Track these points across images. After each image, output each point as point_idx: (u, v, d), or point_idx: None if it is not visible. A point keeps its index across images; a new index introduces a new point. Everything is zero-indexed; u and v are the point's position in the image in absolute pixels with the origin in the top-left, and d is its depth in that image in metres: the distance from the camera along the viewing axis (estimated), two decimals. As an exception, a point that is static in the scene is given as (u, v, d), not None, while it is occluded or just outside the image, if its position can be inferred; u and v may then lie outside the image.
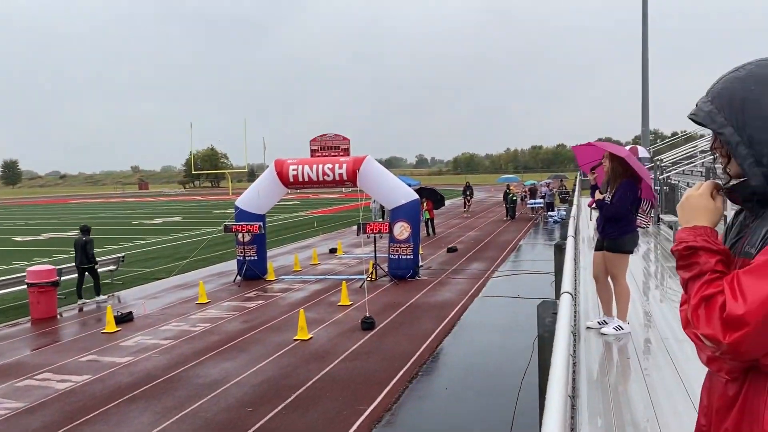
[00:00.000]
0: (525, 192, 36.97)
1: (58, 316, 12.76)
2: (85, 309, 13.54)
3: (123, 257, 16.87)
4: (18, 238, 29.57)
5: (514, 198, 32.00)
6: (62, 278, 13.59)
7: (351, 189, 18.02)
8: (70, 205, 64.20)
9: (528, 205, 33.98)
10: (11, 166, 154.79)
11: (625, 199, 5.75)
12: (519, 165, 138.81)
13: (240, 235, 16.34)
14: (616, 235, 5.85)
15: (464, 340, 10.24)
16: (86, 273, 13.96)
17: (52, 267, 13.16)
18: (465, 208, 35.51)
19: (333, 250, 21.37)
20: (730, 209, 1.81)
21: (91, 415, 7.40)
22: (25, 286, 12.80)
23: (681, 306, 1.57)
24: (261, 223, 16.33)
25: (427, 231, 25.26)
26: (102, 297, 14.18)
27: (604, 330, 5.75)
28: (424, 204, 25.39)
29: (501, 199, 36.57)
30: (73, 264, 14.02)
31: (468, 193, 35.38)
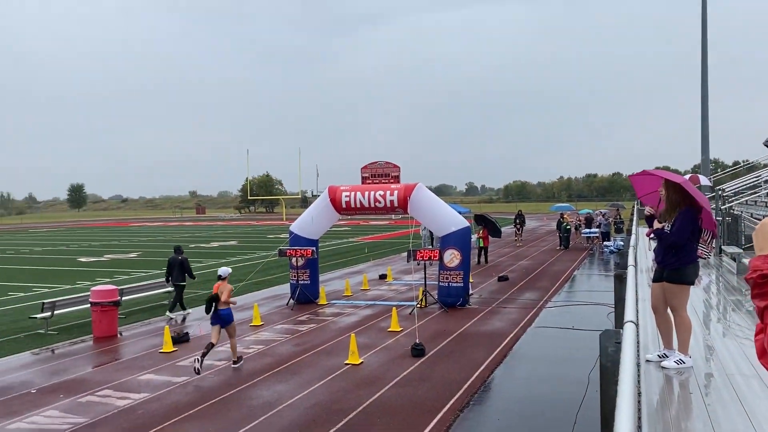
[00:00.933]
0: (580, 221, 36.32)
1: (119, 335, 13.18)
2: (145, 329, 13.93)
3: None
4: (82, 259, 30.76)
5: (568, 227, 31.47)
6: (123, 298, 14.07)
7: (401, 216, 18.07)
8: (130, 227, 66.43)
9: (583, 235, 33.36)
10: (77, 190, 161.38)
11: (684, 227, 5.59)
12: (573, 193, 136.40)
13: (294, 260, 16.59)
14: (677, 265, 5.68)
15: (517, 371, 10.07)
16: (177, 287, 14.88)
17: (114, 287, 13.65)
18: (516, 236, 35.13)
19: (383, 276, 21.42)
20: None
21: (148, 432, 7.59)
22: (89, 305, 13.31)
23: (756, 335, 1.55)
24: (314, 248, 16.56)
25: (478, 259, 25.06)
26: (179, 312, 14.98)
27: (665, 363, 5.57)
28: (481, 231, 25.25)
29: (554, 228, 35.96)
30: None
31: (519, 221, 35.03)
